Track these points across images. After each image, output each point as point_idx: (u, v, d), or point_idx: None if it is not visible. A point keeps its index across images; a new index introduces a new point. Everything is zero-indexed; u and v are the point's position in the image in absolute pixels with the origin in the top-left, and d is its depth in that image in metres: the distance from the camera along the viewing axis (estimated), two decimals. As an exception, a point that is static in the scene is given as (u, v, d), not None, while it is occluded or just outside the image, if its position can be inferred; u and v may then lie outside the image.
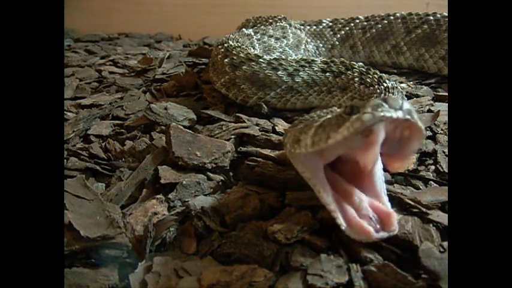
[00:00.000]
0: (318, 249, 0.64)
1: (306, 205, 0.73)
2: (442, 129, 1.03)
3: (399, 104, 0.57)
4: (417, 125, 0.58)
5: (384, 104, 0.57)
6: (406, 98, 1.15)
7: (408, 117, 0.56)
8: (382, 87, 1.07)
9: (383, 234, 0.61)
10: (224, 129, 1.04)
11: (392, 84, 1.09)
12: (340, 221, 0.62)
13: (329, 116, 0.66)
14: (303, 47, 1.65)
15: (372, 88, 1.10)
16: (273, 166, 0.85)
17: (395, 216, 0.63)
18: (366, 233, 0.60)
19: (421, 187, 0.82)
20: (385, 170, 0.87)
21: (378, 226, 0.62)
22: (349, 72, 1.17)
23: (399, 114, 0.56)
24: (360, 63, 1.20)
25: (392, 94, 1.02)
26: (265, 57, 1.20)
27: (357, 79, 1.15)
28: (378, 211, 0.64)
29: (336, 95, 1.18)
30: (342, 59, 1.25)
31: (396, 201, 0.73)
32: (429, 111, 1.17)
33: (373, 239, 0.61)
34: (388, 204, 0.66)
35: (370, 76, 1.14)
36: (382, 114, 0.56)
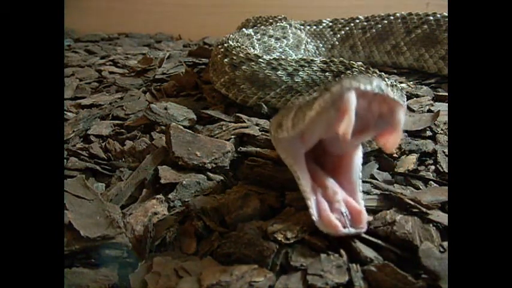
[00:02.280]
0: (318, 249, 0.64)
1: (306, 205, 0.73)
2: (442, 129, 1.03)
3: (368, 80, 0.59)
4: (390, 98, 0.59)
5: (353, 79, 0.59)
6: (405, 96, 1.15)
7: (377, 90, 0.58)
8: None
9: (350, 231, 0.64)
10: (224, 129, 1.04)
11: (391, 82, 1.09)
12: (313, 210, 0.66)
13: (307, 99, 0.68)
14: (303, 47, 1.65)
15: None
16: (273, 166, 0.85)
17: (365, 215, 0.66)
18: (333, 227, 0.63)
19: (421, 187, 0.82)
20: (385, 169, 0.88)
21: (348, 222, 0.65)
22: (348, 71, 1.17)
23: (367, 87, 0.58)
24: (360, 63, 1.20)
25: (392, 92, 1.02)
26: (264, 57, 1.20)
27: None
28: (350, 207, 0.67)
29: None
30: (341, 58, 1.25)
31: (396, 201, 0.73)
32: (429, 111, 1.17)
33: (339, 234, 0.63)
34: (362, 202, 0.68)
35: (370, 75, 1.13)
36: (349, 84, 0.58)
